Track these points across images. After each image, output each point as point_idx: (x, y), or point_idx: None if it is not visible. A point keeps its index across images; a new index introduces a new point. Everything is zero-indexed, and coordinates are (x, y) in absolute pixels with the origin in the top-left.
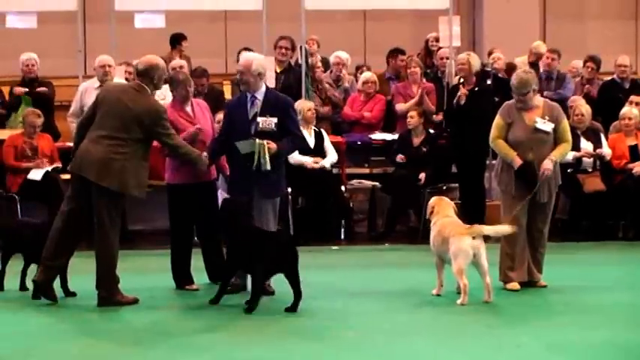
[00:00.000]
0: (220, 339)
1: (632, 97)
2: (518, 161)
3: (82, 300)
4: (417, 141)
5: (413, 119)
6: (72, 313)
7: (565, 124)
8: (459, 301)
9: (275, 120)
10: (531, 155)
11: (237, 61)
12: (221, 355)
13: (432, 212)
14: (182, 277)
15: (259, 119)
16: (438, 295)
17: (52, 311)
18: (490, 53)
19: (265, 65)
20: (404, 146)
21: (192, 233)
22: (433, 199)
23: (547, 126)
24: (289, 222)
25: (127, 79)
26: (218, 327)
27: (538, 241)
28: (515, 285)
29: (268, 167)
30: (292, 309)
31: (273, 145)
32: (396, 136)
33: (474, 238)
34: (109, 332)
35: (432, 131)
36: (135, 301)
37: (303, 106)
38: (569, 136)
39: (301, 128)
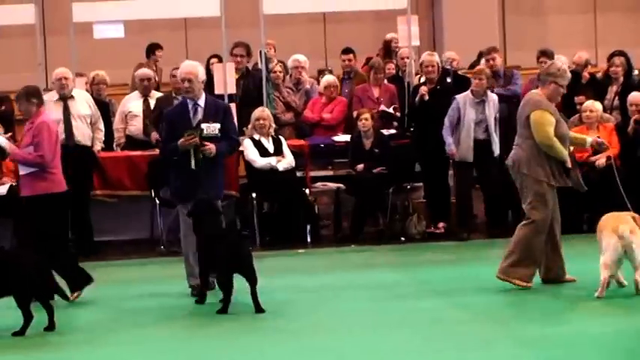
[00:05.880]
0: (202, 341)
1: (578, 99)
2: (570, 161)
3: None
4: (368, 143)
5: (367, 122)
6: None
7: None
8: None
9: (218, 125)
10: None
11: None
12: (201, 356)
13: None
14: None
15: (203, 125)
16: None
17: None
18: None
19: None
20: (356, 150)
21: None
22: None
23: None
24: (254, 227)
25: (97, 93)
26: (192, 329)
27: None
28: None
29: (192, 166)
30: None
31: (213, 148)
32: None
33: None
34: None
35: (384, 132)
36: None
37: (255, 114)
38: None
39: (256, 136)
